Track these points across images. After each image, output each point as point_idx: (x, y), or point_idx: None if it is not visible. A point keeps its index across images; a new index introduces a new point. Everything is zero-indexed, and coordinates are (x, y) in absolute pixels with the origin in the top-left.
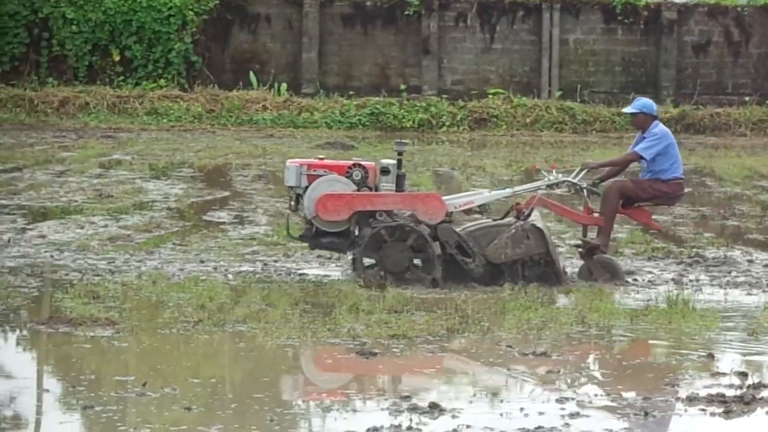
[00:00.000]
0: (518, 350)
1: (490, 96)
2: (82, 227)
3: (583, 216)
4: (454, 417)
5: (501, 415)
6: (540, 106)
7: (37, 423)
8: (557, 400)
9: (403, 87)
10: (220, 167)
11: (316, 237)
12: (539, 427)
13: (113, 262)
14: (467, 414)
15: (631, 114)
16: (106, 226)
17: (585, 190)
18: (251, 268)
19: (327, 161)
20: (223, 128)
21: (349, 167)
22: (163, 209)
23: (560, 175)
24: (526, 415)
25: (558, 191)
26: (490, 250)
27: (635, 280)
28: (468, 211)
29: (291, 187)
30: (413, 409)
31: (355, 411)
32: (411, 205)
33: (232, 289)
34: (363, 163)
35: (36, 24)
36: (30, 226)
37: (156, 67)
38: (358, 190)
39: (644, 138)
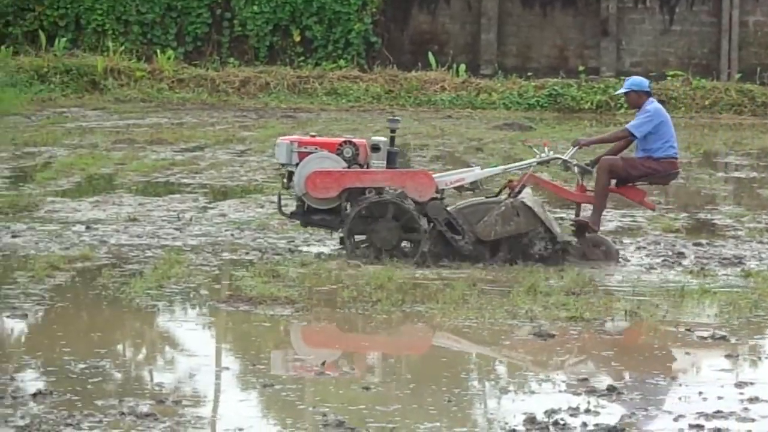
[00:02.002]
0: (697, 334)
1: (669, 78)
2: (262, 206)
3: (575, 194)
4: (631, 400)
5: (679, 398)
6: (719, 89)
7: (216, 400)
8: (736, 385)
9: (581, 68)
10: (399, 147)
11: (307, 214)
12: (718, 412)
13: (293, 242)
14: (645, 397)
15: (624, 94)
16: (285, 205)
17: (577, 168)
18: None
19: (318, 138)
20: (401, 109)
21: (340, 144)
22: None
23: (552, 152)
24: (705, 399)
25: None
26: (479, 228)
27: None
28: (460, 189)
29: (282, 164)
30: (591, 391)
31: (532, 393)
32: (400, 182)
33: (412, 268)
34: (354, 140)
35: (218, 4)
36: (211, 205)
37: (336, 47)
38: (349, 168)
39: (638, 116)
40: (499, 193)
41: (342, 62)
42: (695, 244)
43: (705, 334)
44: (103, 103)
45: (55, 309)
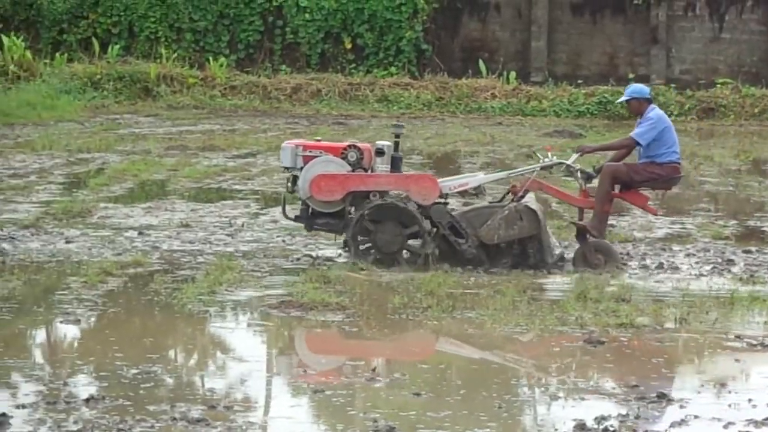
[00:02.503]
0: (746, 341)
1: (719, 85)
2: None
3: (578, 199)
4: (681, 407)
5: (729, 405)
6: None
7: (267, 406)
8: None
9: (631, 76)
10: (449, 154)
11: (312, 218)
12: (767, 419)
13: (344, 247)
14: (695, 404)
15: (625, 102)
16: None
17: (580, 173)
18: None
19: (323, 142)
20: (452, 116)
21: (344, 148)
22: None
23: (555, 157)
24: (755, 406)
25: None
26: (483, 231)
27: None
28: (463, 194)
29: (287, 168)
30: (641, 398)
31: (582, 399)
32: (404, 185)
33: (460, 275)
34: (358, 144)
35: (270, 12)
36: (263, 211)
37: (387, 54)
38: (353, 171)
39: (641, 123)
40: (503, 198)
41: (393, 69)
42: (745, 252)
43: (754, 341)
44: (156, 109)
45: (107, 314)
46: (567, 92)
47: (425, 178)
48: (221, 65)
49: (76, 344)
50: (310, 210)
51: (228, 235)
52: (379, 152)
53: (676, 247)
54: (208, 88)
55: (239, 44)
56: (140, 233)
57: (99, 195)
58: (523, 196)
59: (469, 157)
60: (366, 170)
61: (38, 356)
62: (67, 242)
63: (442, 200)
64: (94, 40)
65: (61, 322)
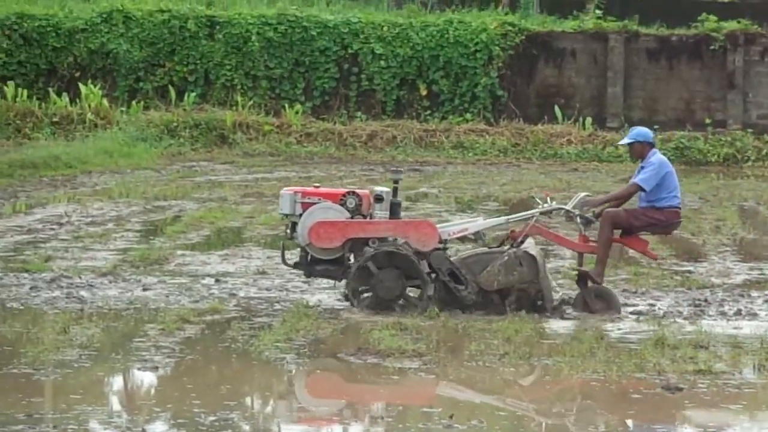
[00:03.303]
0: None
1: None
2: None
3: (578, 244)
4: None
5: None
6: None
7: None
8: None
9: (708, 121)
10: (525, 201)
11: (311, 265)
12: None
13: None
14: None
15: (628, 145)
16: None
17: (579, 218)
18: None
19: (321, 189)
20: (528, 162)
21: (343, 195)
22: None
23: (554, 202)
24: None
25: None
26: (482, 277)
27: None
28: (463, 239)
29: (285, 215)
30: None
31: None
32: (403, 232)
33: (537, 321)
34: (357, 191)
35: (346, 59)
36: None
37: (462, 101)
38: (352, 218)
39: (643, 168)
40: (502, 243)
41: (468, 116)
42: None
43: None
44: (232, 157)
45: (185, 361)
46: None
47: (425, 224)
48: (297, 112)
49: (153, 391)
50: (309, 257)
51: (304, 281)
52: (378, 199)
53: (754, 293)
54: (283, 135)
55: (315, 91)
56: (217, 280)
57: (176, 242)
58: (522, 242)
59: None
60: (365, 217)
61: (116, 403)
62: (145, 289)
63: (442, 246)
64: (170, 87)
65: (138, 369)
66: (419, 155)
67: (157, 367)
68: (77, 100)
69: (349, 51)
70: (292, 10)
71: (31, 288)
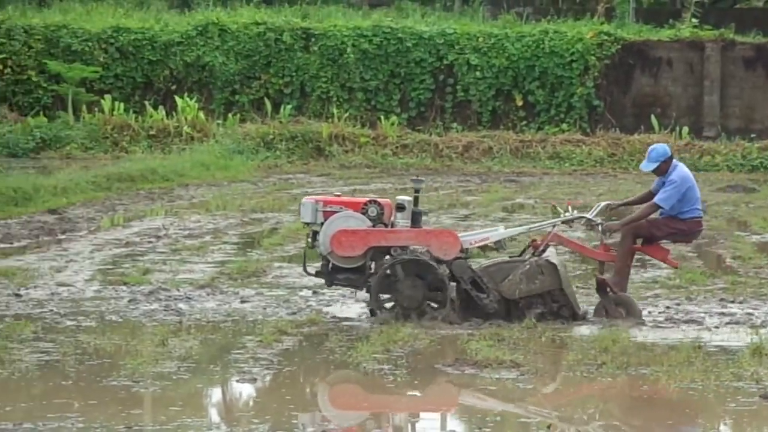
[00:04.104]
0: None
1: None
2: None
3: (599, 252)
4: None
5: None
6: None
7: None
8: None
9: None
10: (622, 211)
11: (332, 273)
12: None
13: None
14: None
15: (653, 170)
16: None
17: (600, 227)
18: (653, 311)
19: (343, 198)
20: (624, 172)
21: (365, 204)
22: (565, 252)
23: (576, 211)
24: None
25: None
26: (504, 286)
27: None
28: (484, 248)
29: (307, 224)
30: None
31: None
32: (425, 240)
33: (631, 331)
34: (378, 199)
35: (441, 70)
36: None
37: (558, 111)
38: (374, 227)
39: (664, 184)
40: (523, 252)
41: (564, 126)
42: None
43: None
44: (328, 169)
45: (283, 373)
46: (740, 147)
47: (446, 233)
48: (392, 124)
49: (252, 403)
50: (330, 265)
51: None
52: (400, 207)
53: None
54: (379, 147)
55: (410, 102)
56: (314, 292)
57: (273, 255)
58: (544, 251)
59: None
60: (386, 225)
61: (215, 415)
62: (243, 302)
63: (463, 255)
64: (266, 100)
65: (237, 380)
66: (515, 166)
67: (255, 379)
68: (173, 113)
69: (445, 62)
70: (388, 22)
71: (129, 301)
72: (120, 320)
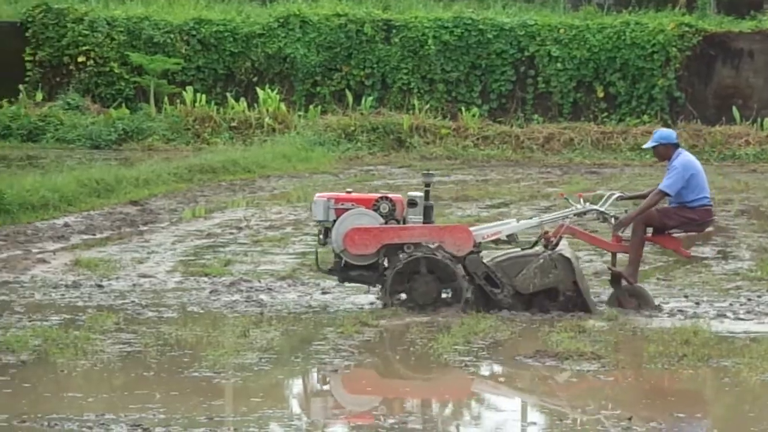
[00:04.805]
0: None
1: None
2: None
3: (611, 244)
4: None
5: None
6: None
7: None
8: None
9: None
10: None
11: (345, 270)
12: None
13: (598, 297)
14: None
15: (652, 148)
16: (591, 261)
17: (613, 219)
18: (734, 303)
19: (354, 195)
20: (705, 163)
21: (376, 200)
22: (647, 244)
23: (588, 203)
24: None
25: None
26: (518, 280)
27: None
28: (496, 242)
29: (319, 221)
30: None
31: None
32: (438, 236)
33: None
34: (390, 195)
35: (522, 62)
36: None
37: (639, 102)
38: (386, 223)
39: (668, 172)
40: (535, 244)
41: (645, 117)
42: None
43: None
44: (409, 160)
45: (364, 364)
46: None
47: (459, 228)
48: (473, 115)
49: (332, 393)
50: (343, 262)
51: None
52: (412, 203)
53: None
54: (460, 139)
55: (491, 94)
56: None
57: None
58: (557, 244)
59: (723, 205)
60: (398, 222)
61: (296, 406)
62: (324, 293)
63: (476, 249)
64: (347, 92)
65: (318, 371)
66: (596, 157)
67: (336, 370)
68: (255, 105)
69: (526, 53)
70: (468, 13)
71: (211, 292)
72: (201, 311)
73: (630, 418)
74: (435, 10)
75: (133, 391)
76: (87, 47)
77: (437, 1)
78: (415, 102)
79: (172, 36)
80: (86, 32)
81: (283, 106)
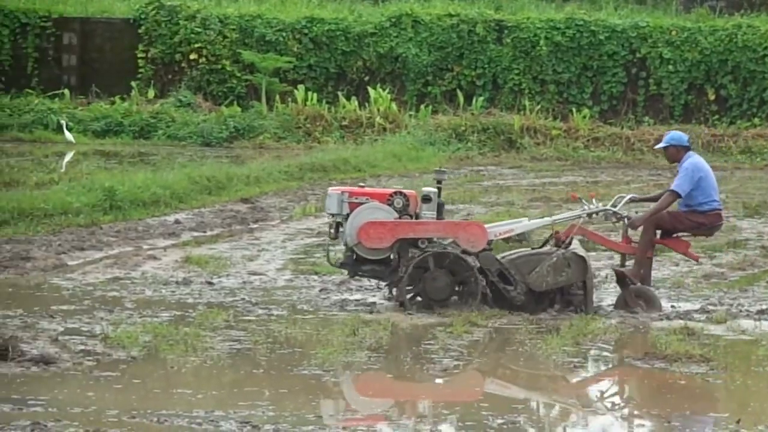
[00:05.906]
0: None
1: None
2: (677, 264)
3: (621, 245)
4: None
5: None
6: None
7: None
8: None
9: None
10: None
11: (357, 264)
12: None
13: (707, 299)
14: None
15: (663, 149)
16: (700, 264)
17: (625, 219)
18: None
19: (368, 189)
20: None
21: (390, 195)
22: (757, 248)
23: (600, 204)
24: None
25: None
26: (531, 278)
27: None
28: (508, 240)
29: (332, 215)
30: None
31: None
32: (453, 232)
33: None
34: (404, 191)
35: (634, 64)
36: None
37: (750, 105)
38: (400, 218)
39: (678, 173)
40: (545, 243)
41: (756, 120)
42: None
43: None
44: (520, 161)
45: (472, 364)
46: None
47: (474, 225)
48: (584, 117)
49: (442, 393)
50: (355, 256)
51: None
52: (426, 199)
53: None
54: (571, 140)
55: (602, 96)
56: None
57: None
58: (570, 243)
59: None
60: (412, 217)
61: (403, 406)
62: None
63: (488, 247)
64: (458, 92)
65: (427, 371)
66: (707, 160)
67: (445, 369)
68: (366, 104)
69: (637, 55)
70: (581, 14)
71: (320, 290)
72: (311, 310)
73: (738, 421)
74: (547, 11)
75: (243, 388)
76: (199, 45)
77: (549, 1)
78: (526, 103)
79: (284, 34)
80: (198, 30)
81: (394, 105)
